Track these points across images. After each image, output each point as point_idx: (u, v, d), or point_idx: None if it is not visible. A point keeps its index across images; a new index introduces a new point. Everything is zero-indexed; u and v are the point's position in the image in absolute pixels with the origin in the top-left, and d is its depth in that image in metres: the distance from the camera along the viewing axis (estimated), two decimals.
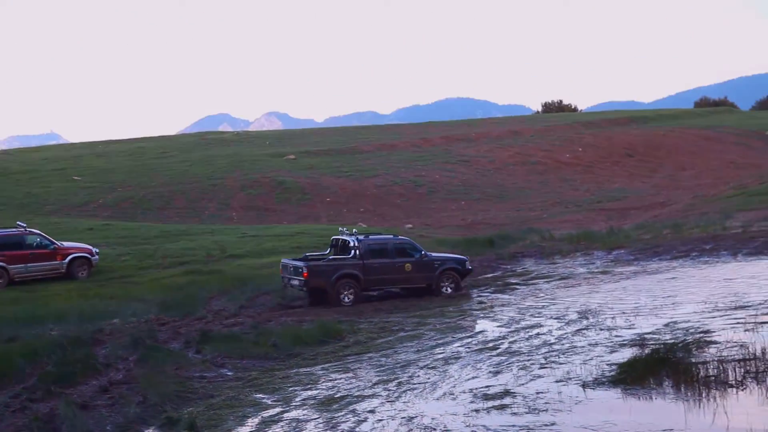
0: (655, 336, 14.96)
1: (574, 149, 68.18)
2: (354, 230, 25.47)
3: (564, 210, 48.23)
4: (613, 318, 17.48)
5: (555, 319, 18.30)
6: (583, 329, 16.64)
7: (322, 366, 15.57)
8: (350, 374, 14.63)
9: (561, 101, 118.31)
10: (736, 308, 17.34)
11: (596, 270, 26.39)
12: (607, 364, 13.08)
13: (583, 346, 14.89)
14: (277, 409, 12.61)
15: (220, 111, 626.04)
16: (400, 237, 25.75)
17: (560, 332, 16.57)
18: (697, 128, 76.83)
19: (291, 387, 14.00)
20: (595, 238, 32.94)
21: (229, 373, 15.43)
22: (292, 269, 23.40)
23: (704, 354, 12.99)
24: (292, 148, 68.98)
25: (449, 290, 24.05)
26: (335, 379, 14.34)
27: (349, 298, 23.13)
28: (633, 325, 16.57)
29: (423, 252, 24.34)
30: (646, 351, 13.23)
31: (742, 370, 11.79)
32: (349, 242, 23.77)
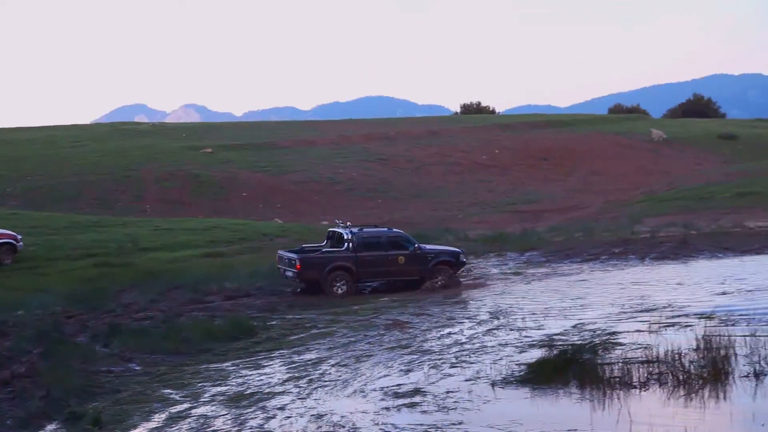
0: (563, 337, 15.21)
1: (491, 151, 68.92)
2: (348, 223, 25.69)
3: (480, 211, 48.74)
4: (523, 319, 17.73)
5: (467, 318, 18.48)
6: (494, 329, 16.83)
7: (233, 362, 15.43)
8: (261, 370, 14.53)
9: (480, 103, 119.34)
10: (642, 311, 17.76)
11: (509, 271, 26.74)
12: (517, 364, 13.23)
13: (494, 346, 15.05)
14: (185, 405, 12.45)
15: (136, 101, 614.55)
16: (394, 230, 25.93)
17: (471, 332, 16.73)
18: (610, 134, 78.38)
19: (200, 383, 13.84)
20: (509, 240, 33.38)
21: (137, 368, 15.18)
22: (287, 261, 23.90)
23: (610, 355, 13.23)
24: (209, 142, 68.14)
25: (441, 282, 24.11)
26: (245, 376, 14.22)
27: (341, 290, 23.56)
28: (542, 326, 16.83)
29: (417, 245, 24.73)
30: (555, 352, 13.42)
31: (646, 372, 12.05)
32: (343, 235, 24.19)
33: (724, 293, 19.76)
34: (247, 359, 15.62)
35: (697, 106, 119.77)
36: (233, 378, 14.12)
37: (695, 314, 16.79)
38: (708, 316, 16.34)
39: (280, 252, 25.00)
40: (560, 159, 68.33)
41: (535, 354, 13.81)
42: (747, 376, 11.71)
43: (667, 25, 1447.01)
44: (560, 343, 14.43)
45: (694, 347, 12.89)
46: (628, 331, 15.30)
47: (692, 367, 11.97)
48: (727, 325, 15.10)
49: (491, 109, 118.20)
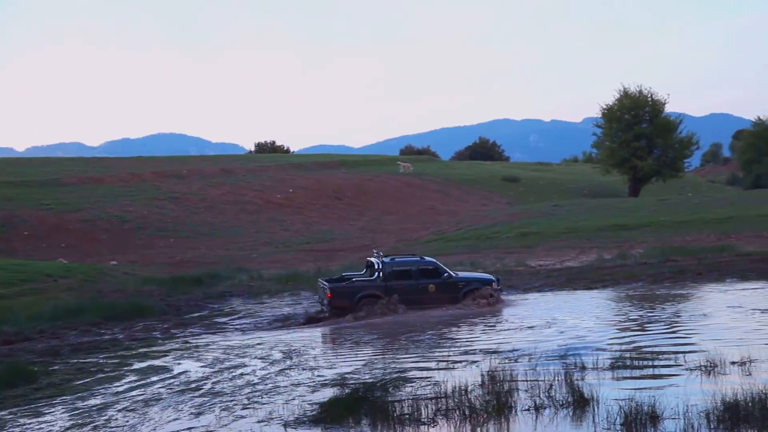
0: (355, 376, 15.34)
1: (285, 190, 69.11)
2: (381, 253, 26.47)
3: (274, 250, 48.63)
4: (315, 358, 17.77)
5: (259, 359, 18.29)
6: (287, 369, 16.76)
7: (10, 410, 14.55)
8: (41, 418, 13.78)
9: (274, 142, 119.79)
10: (432, 347, 18.21)
11: (302, 310, 26.73)
12: (309, 404, 13.21)
13: (286, 386, 14.97)
14: None
15: None
16: (425, 259, 26.14)
17: (264, 372, 16.58)
18: (401, 175, 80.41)
19: None
20: (303, 279, 33.44)
21: None
22: (321, 289, 25.00)
23: (400, 392, 13.47)
24: None
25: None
26: (24, 425, 13.43)
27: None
28: (334, 364, 16.92)
29: (448, 273, 25.25)
30: (346, 390, 13.52)
31: (434, 408, 12.34)
32: (375, 264, 24.94)
33: (508, 329, 20.59)
34: (26, 407, 14.78)
35: (483, 149, 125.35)
36: (10, 428, 13.31)
37: (482, 350, 17.38)
38: (493, 352, 16.96)
39: (320, 281, 25.96)
40: (353, 198, 69.41)
41: (328, 393, 13.84)
42: (528, 410, 12.20)
43: (453, 69, 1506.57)
44: (352, 381, 14.55)
45: (480, 383, 13.35)
46: (418, 368, 15.64)
47: (478, 402, 12.36)
48: (510, 361, 15.74)
49: (286, 148, 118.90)
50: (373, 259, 25.54)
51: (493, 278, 26.23)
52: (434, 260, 26.23)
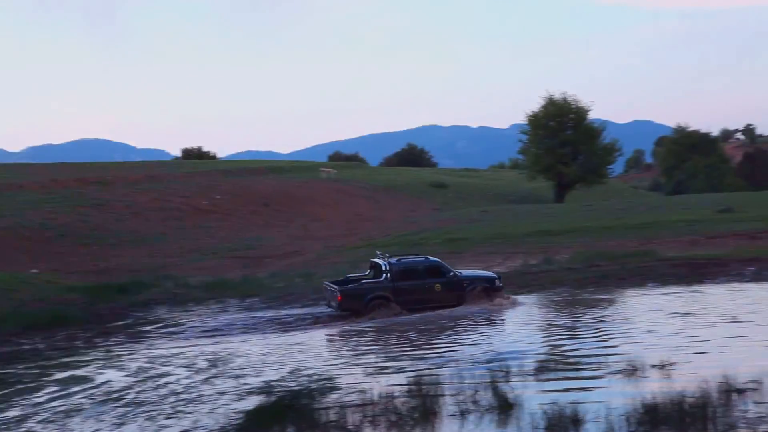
0: (281, 383, 15.27)
1: (212, 196, 68.46)
2: (387, 254, 26.08)
3: (201, 257, 48.07)
4: (241, 366, 17.63)
5: (184, 367, 18.07)
6: (212, 378, 16.60)
7: None
8: None
9: (201, 148, 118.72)
10: (359, 354, 18.21)
11: (228, 318, 26.48)
12: (234, 413, 13.11)
13: (211, 395, 14.83)
14: None
15: None
16: (430, 258, 26.22)
17: (189, 381, 16.39)
18: (330, 180, 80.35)
19: None
20: (230, 286, 33.12)
21: None
22: (330, 292, 24.88)
23: (327, 400, 13.44)
24: None
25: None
26: None
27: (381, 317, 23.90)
28: (260, 372, 16.81)
29: (453, 272, 25.40)
30: (273, 398, 13.45)
31: (360, 415, 12.35)
32: (381, 266, 24.89)
33: (436, 335, 20.71)
34: None
35: (411, 155, 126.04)
36: None
37: (409, 356, 17.45)
38: (420, 358, 17.04)
39: (326, 283, 25.70)
40: (281, 205, 69.07)
41: (254, 401, 13.75)
42: (454, 415, 12.28)
43: (381, 75, 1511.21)
44: (278, 389, 14.48)
45: (407, 389, 13.39)
46: (345, 375, 15.63)
47: (404, 408, 12.40)
48: (437, 367, 15.83)
49: (212, 154, 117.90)
50: (378, 260, 25.47)
51: (495, 276, 26.54)
52: (438, 259, 26.40)
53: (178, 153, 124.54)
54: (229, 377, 16.51)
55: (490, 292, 25.45)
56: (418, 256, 26.61)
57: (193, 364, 18.45)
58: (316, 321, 24.68)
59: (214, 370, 17.41)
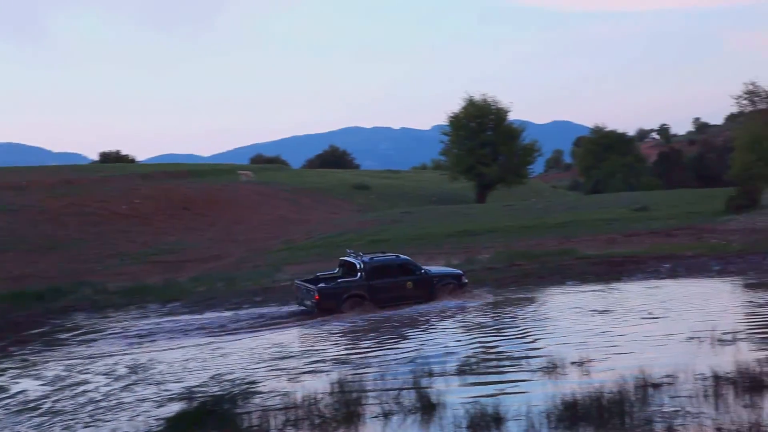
0: (203, 389, 15.10)
1: (131, 201, 67.39)
2: (360, 253, 26.60)
3: (120, 262, 47.28)
4: (161, 372, 17.38)
5: (103, 375, 17.73)
6: (132, 384, 16.32)
7: None
8: None
9: (119, 151, 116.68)
10: (281, 358, 18.10)
11: (149, 323, 26.10)
12: (155, 419, 12.93)
13: (131, 402, 14.59)
14: None
15: None
16: (401, 257, 26.74)
17: (108, 388, 16.09)
18: (251, 183, 79.78)
19: None
20: (151, 291, 32.65)
21: None
22: (305, 291, 25.03)
23: (249, 404, 13.34)
24: None
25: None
26: None
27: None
28: (182, 378, 16.58)
29: (423, 269, 25.96)
30: (194, 404, 13.30)
31: (283, 418, 12.28)
32: (355, 264, 25.25)
33: (359, 337, 20.71)
34: None
35: (333, 157, 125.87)
36: None
37: (332, 359, 17.42)
38: (344, 361, 17.02)
39: (298, 282, 25.87)
40: (202, 208, 68.32)
41: (175, 408, 13.58)
42: (377, 417, 12.30)
43: (303, 77, 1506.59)
44: (200, 395, 14.32)
45: (330, 392, 13.36)
46: (267, 379, 15.53)
47: (327, 411, 12.37)
48: (360, 369, 15.84)
49: (131, 158, 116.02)
50: (352, 259, 25.78)
51: (461, 272, 27.09)
52: (408, 257, 26.88)
53: (95, 157, 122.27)
54: (150, 384, 16.26)
55: (458, 289, 26.13)
56: (388, 254, 27.10)
57: (113, 371, 18.11)
58: (239, 324, 24.44)
59: (134, 377, 17.12)
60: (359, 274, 25.15)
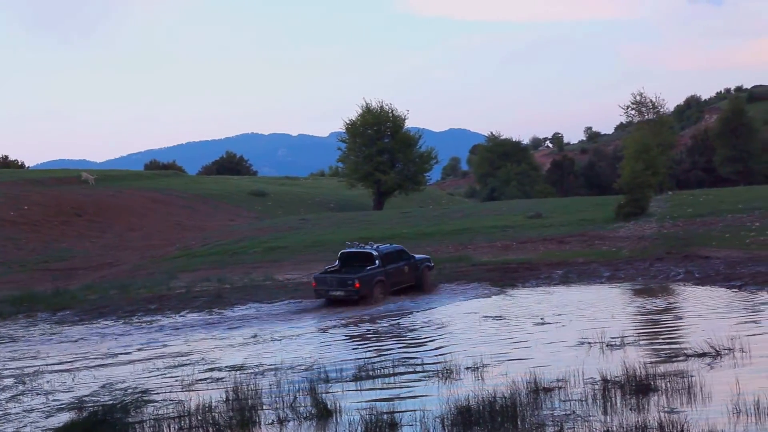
0: (94, 398, 14.77)
1: (19, 207, 65.42)
2: (362, 244, 29.40)
3: (7, 270, 45.84)
4: (50, 382, 16.90)
5: None
6: (19, 395, 15.83)
7: None
8: None
9: (7, 157, 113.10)
10: (175, 366, 17.82)
11: (38, 331, 25.38)
12: (43, 430, 12.57)
13: (18, 413, 14.16)
14: None
15: None
16: (396, 245, 29.59)
17: None
18: (146, 190, 78.42)
19: None
20: (40, 299, 31.74)
21: None
22: (336, 282, 26.76)
23: (142, 413, 13.09)
24: None
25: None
26: None
27: (379, 299, 26.73)
28: (72, 387, 16.17)
29: (412, 256, 29.10)
30: (84, 414, 12.98)
31: (177, 427, 12.10)
32: (371, 254, 27.56)
33: (255, 344, 20.55)
34: None
35: (230, 164, 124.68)
36: None
37: (227, 367, 17.23)
38: (239, 368, 16.86)
39: (319, 275, 27.34)
40: (95, 215, 66.79)
41: (64, 418, 13.24)
42: (272, 423, 12.23)
43: (199, 82, 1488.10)
44: (91, 404, 13.99)
45: (225, 399, 13.23)
46: (161, 388, 15.27)
47: (222, 419, 12.23)
48: (256, 376, 15.72)
49: (20, 163, 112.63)
50: (360, 249, 28.11)
51: (429, 257, 30.40)
52: (401, 246, 29.93)
53: None
54: (38, 394, 15.80)
55: (430, 270, 29.51)
56: (386, 244, 30.13)
57: None
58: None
59: (21, 387, 16.60)
60: (377, 261, 27.40)
